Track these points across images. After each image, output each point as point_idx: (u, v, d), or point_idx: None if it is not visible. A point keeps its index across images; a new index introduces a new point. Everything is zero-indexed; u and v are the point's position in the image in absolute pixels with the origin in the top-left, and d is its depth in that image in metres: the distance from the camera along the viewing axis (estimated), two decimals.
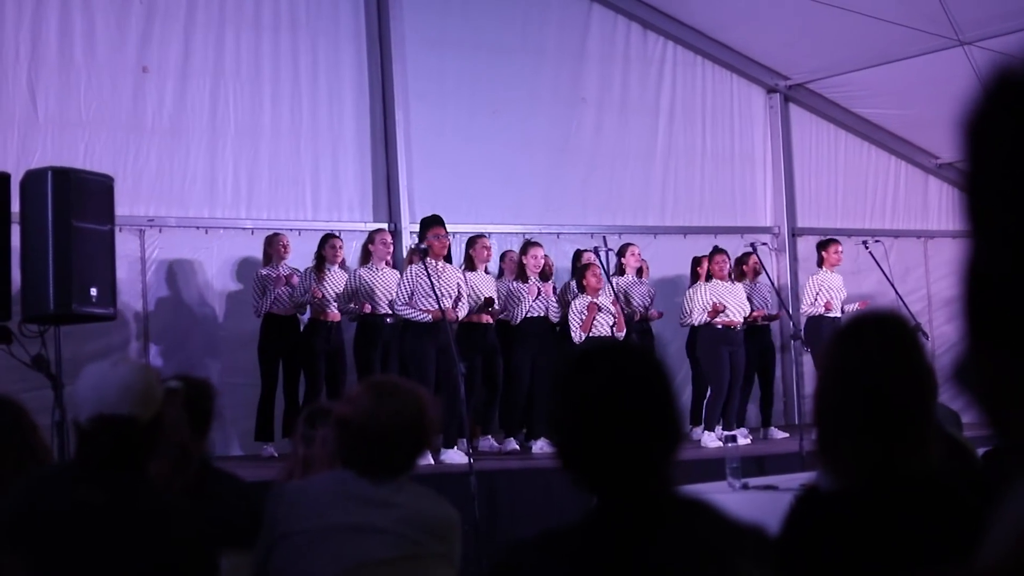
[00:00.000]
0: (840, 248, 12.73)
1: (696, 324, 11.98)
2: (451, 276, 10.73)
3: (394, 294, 10.70)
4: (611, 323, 11.25)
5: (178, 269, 11.71)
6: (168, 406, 3.72)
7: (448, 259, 10.90)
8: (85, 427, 3.52)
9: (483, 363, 11.09)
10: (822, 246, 12.82)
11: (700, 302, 11.91)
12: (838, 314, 12.30)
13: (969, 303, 1.12)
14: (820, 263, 12.72)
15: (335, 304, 10.94)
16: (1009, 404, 1.10)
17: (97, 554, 3.26)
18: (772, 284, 12.71)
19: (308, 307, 11.04)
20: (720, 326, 11.86)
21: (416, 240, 11.49)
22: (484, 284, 11.23)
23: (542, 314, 11.31)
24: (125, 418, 3.48)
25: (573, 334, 11.14)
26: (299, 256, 11.27)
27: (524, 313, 11.21)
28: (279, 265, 11.11)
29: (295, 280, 10.97)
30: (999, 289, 1.09)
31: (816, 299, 12.41)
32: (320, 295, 10.81)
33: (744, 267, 12.72)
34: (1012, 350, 1.08)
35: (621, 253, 12.27)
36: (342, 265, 11.24)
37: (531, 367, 11.22)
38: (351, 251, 11.80)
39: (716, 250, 12.25)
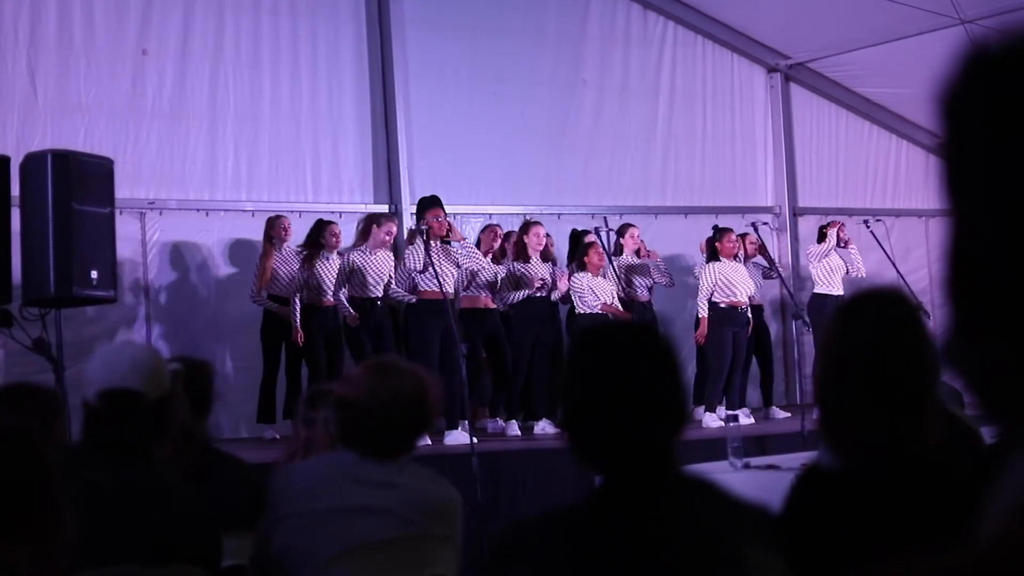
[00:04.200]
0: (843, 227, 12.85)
1: (698, 305, 11.97)
2: (451, 258, 10.73)
3: (387, 278, 10.69)
4: (608, 301, 11.26)
5: (179, 251, 11.71)
6: (173, 387, 3.73)
7: (446, 240, 10.89)
8: (93, 404, 3.53)
9: (487, 347, 11.09)
10: (826, 226, 12.92)
11: (707, 282, 11.88)
12: (840, 291, 12.31)
13: (952, 282, 1.12)
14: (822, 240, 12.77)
15: (330, 292, 10.88)
16: (996, 382, 1.10)
17: (101, 536, 3.26)
18: (775, 263, 12.70)
19: (303, 292, 10.95)
20: (724, 306, 11.84)
21: (415, 221, 11.45)
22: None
23: (543, 294, 11.30)
24: (132, 392, 3.49)
25: (577, 306, 11.20)
26: (300, 238, 11.25)
27: (522, 296, 11.20)
28: (281, 248, 11.10)
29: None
30: (980, 268, 1.08)
31: (831, 278, 12.50)
32: (356, 320, 10.76)
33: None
34: (996, 327, 1.08)
35: (620, 233, 12.25)
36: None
37: (531, 348, 11.21)
38: (349, 233, 11.78)
39: (722, 229, 12.15)
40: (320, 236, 10.99)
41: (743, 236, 12.63)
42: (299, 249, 11.10)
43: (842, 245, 12.73)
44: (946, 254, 1.13)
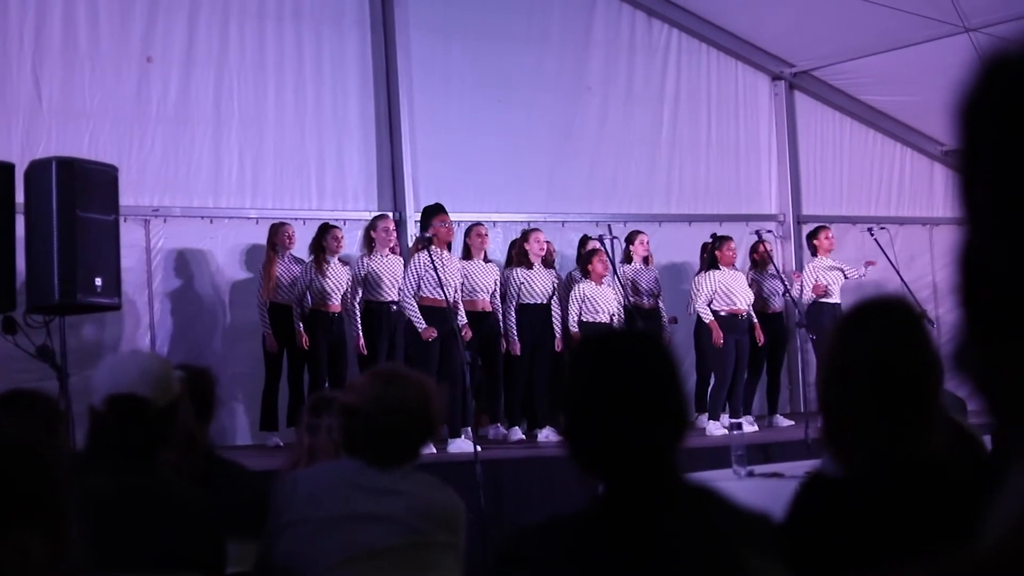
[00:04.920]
0: (831, 233, 12.82)
1: (700, 312, 11.95)
2: (455, 265, 10.75)
3: (400, 281, 10.70)
4: (611, 312, 11.28)
5: (183, 259, 11.71)
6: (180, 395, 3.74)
7: (449, 247, 10.92)
8: (99, 409, 3.53)
9: (482, 350, 11.07)
10: (812, 235, 12.89)
11: (705, 290, 11.90)
12: (838, 300, 12.30)
13: (965, 289, 1.12)
14: (814, 252, 12.77)
15: (336, 296, 10.89)
16: (1006, 390, 1.10)
17: (105, 542, 3.25)
18: (778, 271, 12.70)
19: (308, 297, 11.00)
20: (725, 314, 11.85)
21: (419, 229, 11.45)
22: (485, 273, 11.17)
23: (543, 301, 11.30)
24: (140, 399, 3.49)
25: (571, 318, 11.18)
26: (304, 245, 11.26)
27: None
28: (285, 255, 11.10)
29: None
30: (994, 275, 1.09)
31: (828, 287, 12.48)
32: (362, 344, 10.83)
33: (755, 256, 12.71)
34: (1007, 334, 1.08)
35: (630, 240, 12.26)
36: (341, 257, 11.18)
37: (531, 355, 11.21)
38: (353, 240, 11.77)
39: (722, 237, 12.19)
40: (323, 240, 11.00)
41: (756, 245, 12.63)
42: (298, 257, 11.13)
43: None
44: (959, 260, 1.13)
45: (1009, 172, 1.09)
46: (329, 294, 10.86)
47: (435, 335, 10.32)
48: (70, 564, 1.93)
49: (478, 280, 11.05)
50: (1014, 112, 1.10)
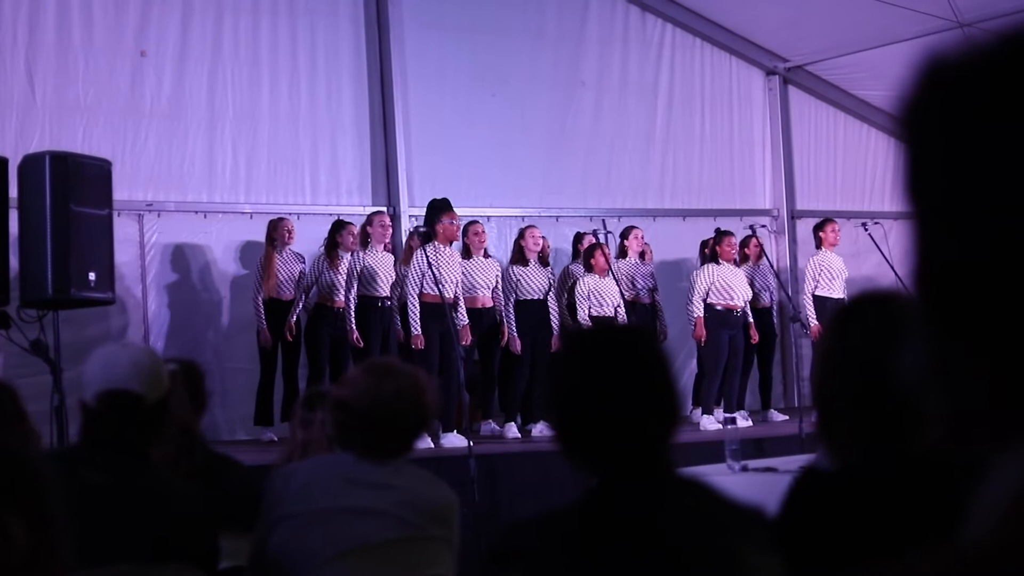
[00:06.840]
0: (837, 227, 12.76)
1: (693, 306, 11.95)
2: (456, 261, 10.74)
3: (393, 276, 10.69)
4: (615, 304, 11.29)
5: (177, 254, 11.70)
6: (172, 388, 3.73)
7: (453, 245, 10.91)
8: (91, 405, 3.52)
9: (480, 346, 11.08)
10: (819, 227, 12.84)
11: (702, 285, 11.90)
12: (842, 295, 12.28)
13: (919, 295, 1.11)
14: (818, 244, 12.73)
15: (342, 292, 10.89)
16: (963, 393, 1.09)
17: (98, 536, 3.25)
18: (771, 266, 12.69)
19: (314, 290, 11.01)
20: (721, 308, 11.86)
21: (420, 223, 11.41)
22: (485, 269, 11.15)
23: (539, 297, 11.30)
24: (132, 395, 3.48)
25: (581, 314, 11.18)
26: (301, 240, 11.25)
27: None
28: (283, 250, 11.08)
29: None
30: (945, 280, 1.08)
31: (818, 282, 12.41)
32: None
33: (746, 250, 12.71)
34: (962, 342, 1.07)
35: (624, 236, 12.23)
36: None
37: (530, 350, 11.21)
38: None
39: (723, 232, 12.19)
40: (338, 235, 11.01)
41: (748, 239, 12.62)
42: (297, 253, 11.14)
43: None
44: (910, 268, 1.12)
45: (956, 176, 1.08)
46: (337, 289, 10.85)
47: (422, 345, 10.33)
48: (57, 556, 1.93)
49: (478, 277, 11.03)
50: (959, 113, 1.10)
